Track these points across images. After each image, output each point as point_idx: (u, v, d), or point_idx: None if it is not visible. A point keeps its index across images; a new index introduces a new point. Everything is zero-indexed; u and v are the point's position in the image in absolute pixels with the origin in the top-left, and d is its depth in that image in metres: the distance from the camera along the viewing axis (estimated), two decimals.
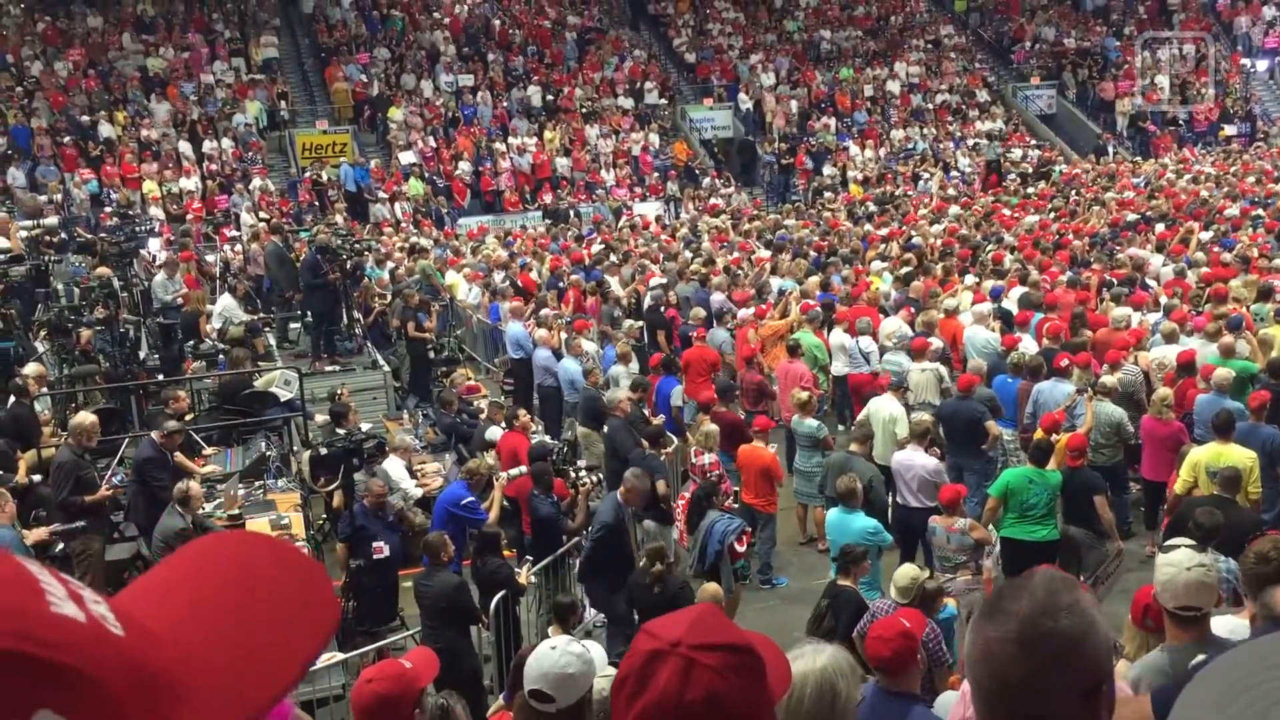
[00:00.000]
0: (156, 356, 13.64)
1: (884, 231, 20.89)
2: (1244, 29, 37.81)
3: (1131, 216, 20.38)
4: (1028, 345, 12.08)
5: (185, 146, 27.27)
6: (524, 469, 9.91)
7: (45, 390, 11.25)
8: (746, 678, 1.57)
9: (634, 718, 1.57)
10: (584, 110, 31.22)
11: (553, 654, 3.73)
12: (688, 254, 19.07)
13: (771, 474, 10.33)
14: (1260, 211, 19.78)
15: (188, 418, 11.57)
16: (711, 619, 1.65)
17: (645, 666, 1.58)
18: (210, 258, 18.96)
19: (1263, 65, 36.79)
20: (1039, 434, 9.75)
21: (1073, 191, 24.72)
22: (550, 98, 31.55)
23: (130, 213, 20.39)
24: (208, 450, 11.39)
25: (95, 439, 9.49)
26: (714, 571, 9.07)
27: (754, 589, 10.00)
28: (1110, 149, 32.52)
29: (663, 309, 15.52)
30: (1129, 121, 34.33)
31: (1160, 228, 19.13)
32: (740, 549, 9.13)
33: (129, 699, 0.81)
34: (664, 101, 32.53)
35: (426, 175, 28.02)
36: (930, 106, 33.96)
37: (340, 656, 8.26)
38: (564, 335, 13.83)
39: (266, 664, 0.92)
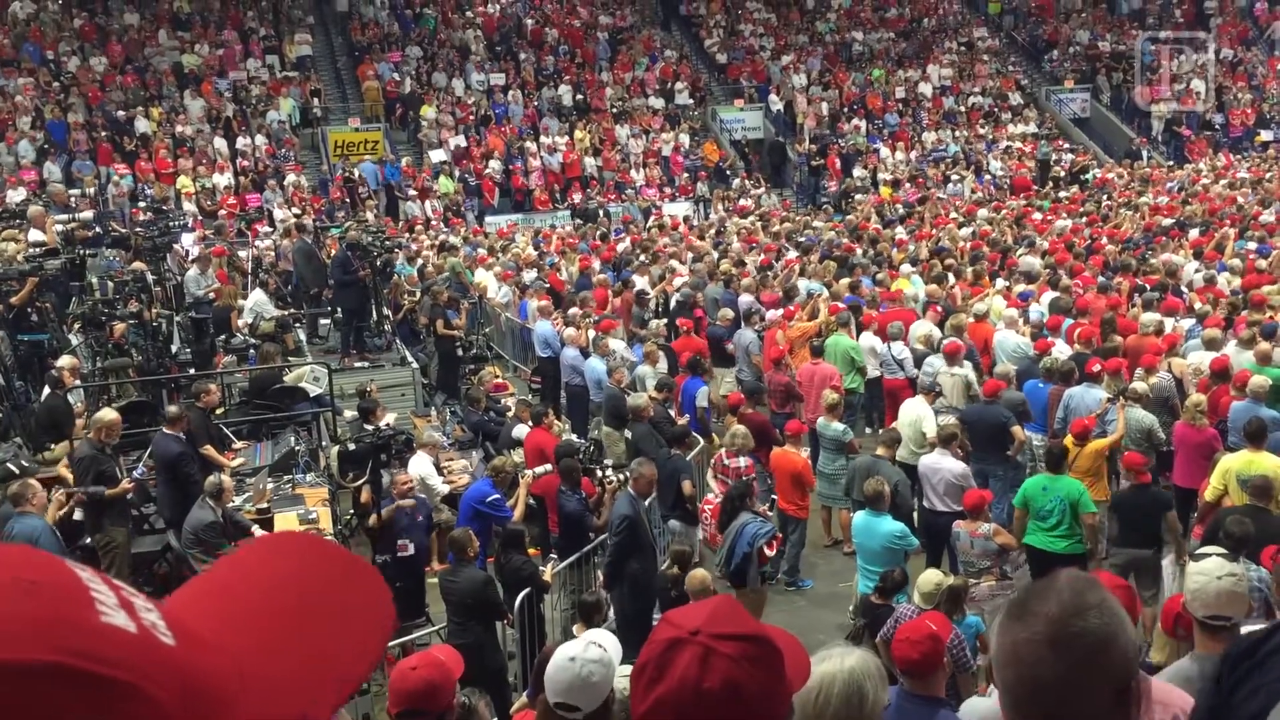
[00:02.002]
0: (188, 350, 13.76)
1: (912, 234, 20.80)
2: None
3: (1165, 222, 20.20)
4: (1060, 350, 11.99)
5: (219, 143, 27.50)
6: (549, 467, 9.94)
7: (79, 383, 11.37)
8: (764, 668, 1.59)
9: (652, 704, 1.58)
10: (615, 110, 31.25)
11: (573, 666, 3.73)
12: (715, 254, 19.07)
13: (803, 480, 10.31)
14: None
15: (218, 411, 11.67)
16: (731, 610, 1.67)
17: (664, 654, 1.59)
18: (242, 253, 19.10)
19: None
20: (1068, 439, 9.70)
21: (1105, 196, 24.53)
22: (581, 97, 31.60)
23: (164, 208, 20.58)
24: (237, 444, 11.49)
25: (117, 436, 9.56)
26: (740, 573, 9.06)
27: (780, 590, 9.99)
28: (1144, 153, 32.26)
29: (690, 308, 15.53)
30: (1164, 126, 34.03)
31: (1194, 233, 18.96)
32: (769, 553, 9.12)
33: (179, 711, 0.80)
34: (693, 102, 32.51)
35: (457, 174, 28.14)
36: (962, 109, 33.79)
37: None
38: (592, 334, 13.84)
39: (323, 670, 0.90)
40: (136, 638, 0.80)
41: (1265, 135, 33.45)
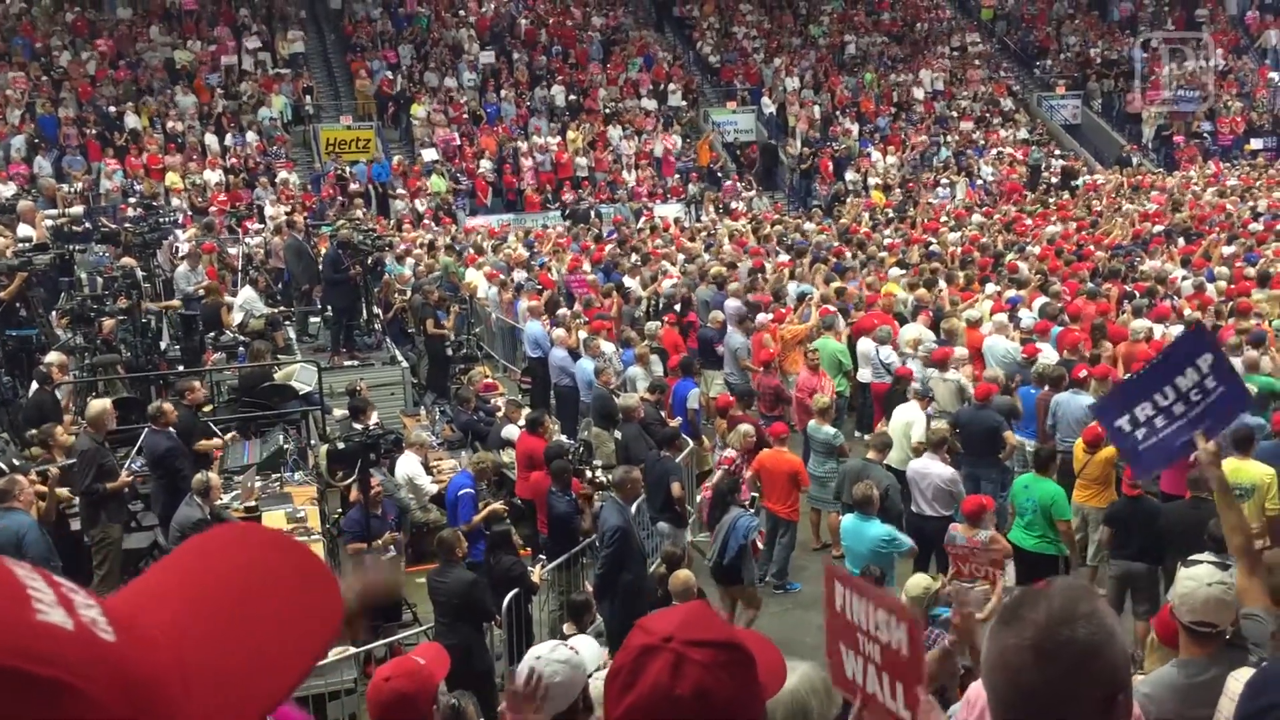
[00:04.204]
0: (177, 347, 13.72)
1: (904, 238, 20.85)
2: (1273, 43, 37.57)
3: (1155, 229, 20.29)
4: (1046, 355, 12.04)
5: (210, 139, 27.43)
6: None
7: (67, 378, 11.34)
8: (736, 674, 1.60)
9: (625, 711, 1.60)
10: (607, 111, 31.26)
11: (536, 665, 3.73)
12: (706, 256, 19.10)
13: (799, 480, 10.30)
14: None
15: (206, 409, 11.64)
16: (704, 616, 1.68)
17: (637, 660, 1.61)
18: (233, 250, 19.06)
19: None
20: (1078, 446, 9.73)
21: (1094, 202, 24.62)
22: (574, 97, 31.60)
23: (154, 204, 20.52)
24: (225, 438, 11.46)
25: (112, 423, 9.58)
26: (734, 568, 9.07)
27: (768, 593, 10.00)
28: (1135, 160, 32.39)
29: (677, 307, 15.57)
30: (1154, 133, 34.15)
31: (1183, 241, 19.05)
32: (761, 546, 9.16)
33: (119, 707, 0.79)
34: (685, 104, 32.53)
35: (449, 172, 28.12)
36: (954, 114, 33.87)
37: (352, 650, 8.30)
38: (582, 335, 13.85)
39: (268, 664, 0.90)
40: (73, 635, 0.80)
41: (1255, 144, 33.60)
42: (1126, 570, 8.72)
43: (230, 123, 28.01)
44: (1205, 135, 34.01)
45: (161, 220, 16.60)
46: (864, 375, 13.37)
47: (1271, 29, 37.75)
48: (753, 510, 9.95)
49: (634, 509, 9.23)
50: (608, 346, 13.59)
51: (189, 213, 23.84)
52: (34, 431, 9.80)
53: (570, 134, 30.09)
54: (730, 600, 9.34)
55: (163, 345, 13.76)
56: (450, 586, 7.90)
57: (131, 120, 27.33)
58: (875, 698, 2.82)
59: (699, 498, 11.20)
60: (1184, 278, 15.71)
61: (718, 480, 10.00)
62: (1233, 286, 14.64)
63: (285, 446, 11.28)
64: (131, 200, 22.99)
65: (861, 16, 37.58)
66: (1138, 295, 14.48)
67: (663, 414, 11.82)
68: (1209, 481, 4.52)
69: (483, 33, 33.20)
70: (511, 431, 11.80)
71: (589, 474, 10.58)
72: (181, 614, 0.90)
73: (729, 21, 36.38)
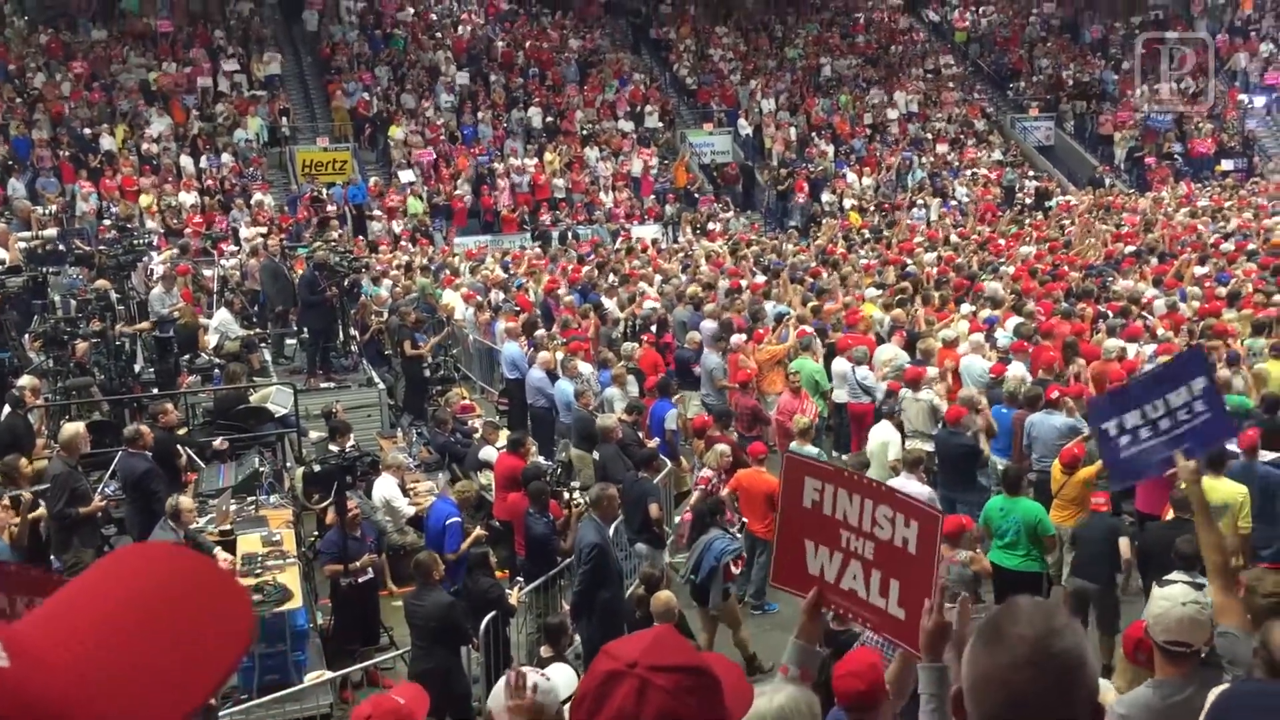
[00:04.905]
0: (152, 370, 13.63)
1: (878, 259, 20.94)
2: (1242, 65, 38.09)
3: (1127, 249, 20.47)
4: (1015, 372, 12.09)
5: (185, 161, 27.33)
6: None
7: (40, 402, 11.24)
8: (701, 699, 1.60)
9: None
10: (584, 132, 31.34)
11: (508, 690, 3.73)
12: (683, 277, 19.14)
13: (776, 499, 10.25)
14: (1255, 246, 19.88)
15: (181, 432, 11.57)
16: (670, 641, 1.68)
17: (602, 686, 1.61)
18: (208, 272, 18.97)
19: (1260, 101, 37.03)
20: (1055, 467, 9.78)
21: (1066, 222, 24.83)
22: (551, 119, 31.67)
23: (129, 226, 20.41)
24: (201, 465, 11.38)
25: (85, 447, 9.50)
26: (704, 588, 9.06)
27: (745, 614, 9.97)
28: (1107, 181, 32.71)
29: (654, 329, 15.59)
30: (1126, 154, 34.52)
31: (1156, 261, 19.22)
32: (735, 571, 9.14)
33: None
34: (662, 125, 32.65)
35: (425, 194, 28.11)
36: (929, 135, 34.12)
37: (328, 675, 8.24)
38: (560, 356, 13.84)
39: (174, 681, 0.90)
40: None
41: (1226, 164, 34.00)
42: (1080, 588, 8.79)
43: (206, 145, 27.92)
44: (1177, 156, 34.38)
45: (136, 242, 16.49)
46: (840, 395, 13.39)
47: (1240, 52, 38.27)
48: (736, 533, 9.92)
49: (611, 530, 9.22)
50: (585, 368, 13.59)
51: (164, 235, 23.72)
52: None
53: (548, 155, 30.14)
54: (709, 621, 9.32)
55: (137, 368, 13.66)
56: (427, 610, 7.86)
57: (106, 142, 27.21)
58: (854, 594, 2.81)
59: (677, 519, 11.19)
60: (1157, 297, 15.84)
61: (698, 501, 9.98)
62: (1205, 306, 14.78)
63: (261, 469, 11.22)
64: (106, 222, 22.88)
65: (837, 39, 37.86)
66: (1111, 315, 14.60)
67: (640, 435, 11.81)
68: (1189, 500, 4.57)
69: (460, 55, 33.27)
70: (489, 453, 11.77)
71: (566, 495, 10.55)
72: (84, 636, 0.90)
73: (705, 44, 36.59)
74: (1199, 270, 17.78)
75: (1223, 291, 15.72)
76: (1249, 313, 14.17)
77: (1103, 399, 5.95)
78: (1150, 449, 4.60)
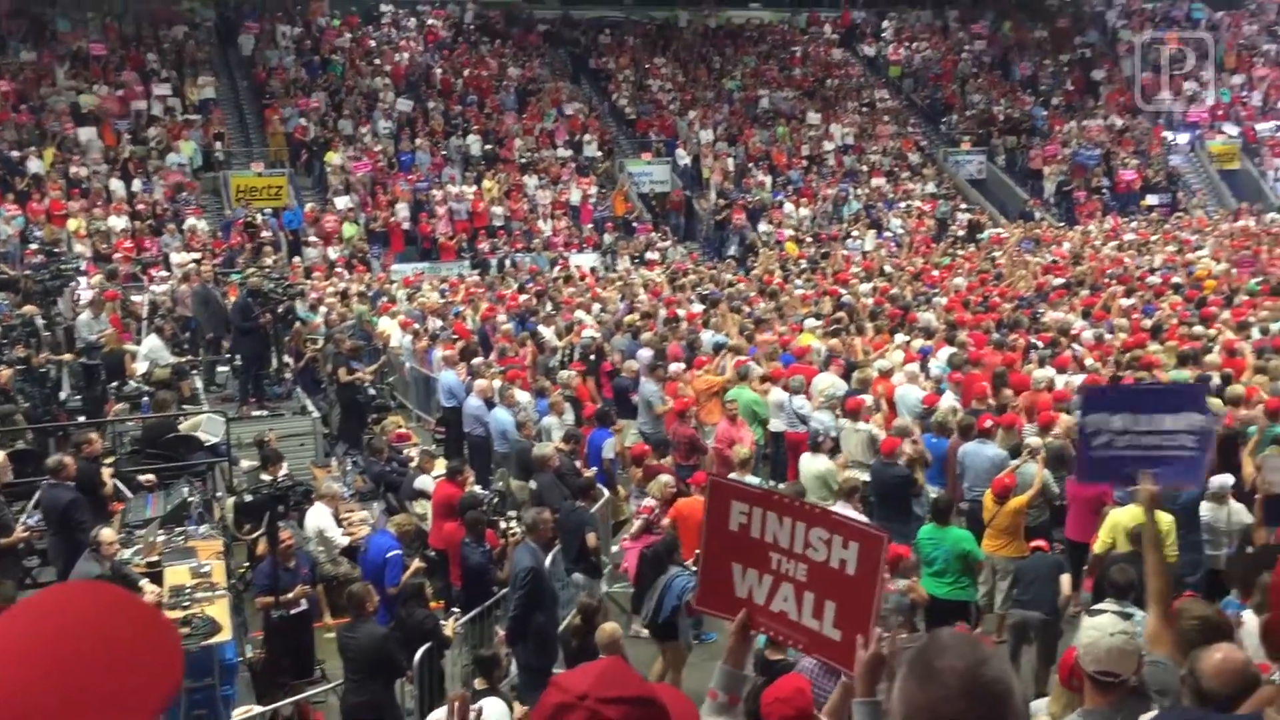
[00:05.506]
0: (78, 397, 13.34)
1: (814, 289, 21.15)
2: (1166, 103, 39.19)
3: (1056, 281, 20.88)
4: (946, 402, 12.26)
5: (116, 185, 26.87)
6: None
7: None
8: None
9: None
10: (523, 161, 31.35)
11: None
12: (621, 306, 19.18)
13: None
14: (1179, 279, 20.38)
15: (108, 460, 11.32)
16: (618, 672, 1.68)
17: (552, 718, 1.59)
18: (137, 298, 18.65)
19: (1184, 138, 38.07)
20: (987, 497, 9.90)
21: (997, 255, 25.29)
22: (490, 147, 31.64)
23: (56, 250, 20.02)
24: (128, 495, 11.13)
25: (7, 476, 9.26)
26: (669, 627, 9.02)
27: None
28: (1037, 214, 33.38)
29: (593, 357, 15.58)
30: (1056, 188, 35.27)
31: (1086, 292, 19.62)
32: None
33: None
34: (601, 154, 32.76)
35: (363, 219, 27.90)
36: (864, 167, 34.60)
37: (257, 710, 8.08)
38: (497, 384, 13.77)
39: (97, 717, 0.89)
40: None
41: (1151, 199, 34.87)
42: (1024, 619, 8.91)
43: (137, 169, 27.48)
44: (1105, 190, 35.20)
45: (63, 267, 16.16)
46: (777, 425, 13.46)
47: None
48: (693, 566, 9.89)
49: (549, 560, 9.16)
50: (523, 396, 13.54)
51: (92, 260, 23.28)
52: None
53: (486, 183, 30.09)
54: (671, 656, 9.27)
55: (62, 395, 13.37)
56: (360, 642, 7.75)
57: (34, 165, 26.68)
58: (784, 616, 2.80)
59: (614, 548, 11.15)
60: (1086, 329, 16.16)
61: (656, 542, 9.88)
62: (1130, 338, 15.11)
63: (190, 499, 11.00)
64: (33, 246, 22.41)
65: (774, 72, 38.32)
66: (1041, 346, 14.86)
67: (578, 464, 11.77)
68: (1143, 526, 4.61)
69: (398, 82, 33.15)
70: (425, 482, 11.66)
71: (503, 524, 10.47)
72: (5, 676, 0.89)
73: (644, 74, 36.84)
74: (1125, 302, 18.18)
75: (1148, 324, 16.08)
76: (1173, 344, 14.50)
77: (1101, 390, 5.98)
78: (1123, 459, 4.62)
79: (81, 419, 12.61)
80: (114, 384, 13.51)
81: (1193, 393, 5.08)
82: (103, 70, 30.45)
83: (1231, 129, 37.95)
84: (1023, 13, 43.74)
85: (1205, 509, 9.44)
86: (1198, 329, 15.29)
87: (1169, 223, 31.29)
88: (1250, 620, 6.67)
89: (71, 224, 25.16)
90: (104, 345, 14.29)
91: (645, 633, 9.56)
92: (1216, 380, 12.30)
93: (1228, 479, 9.50)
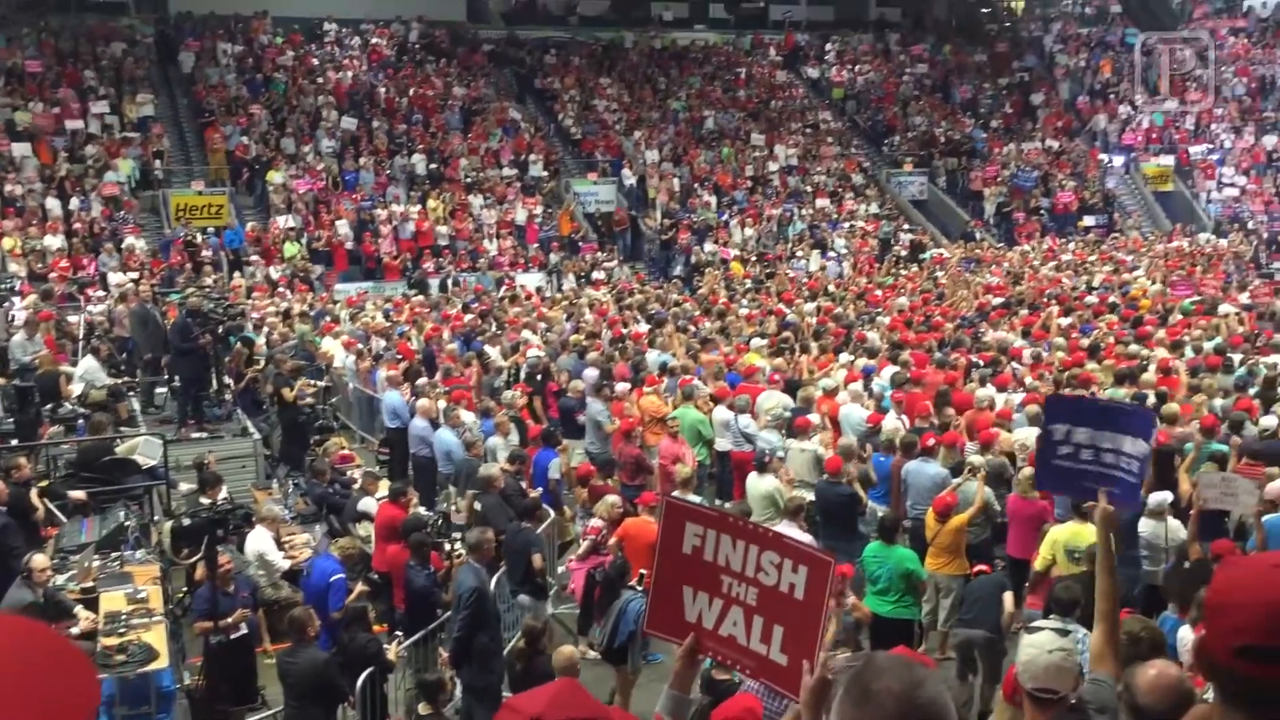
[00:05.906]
0: (11, 420, 13.05)
1: (759, 308, 21.27)
2: (1102, 126, 40.00)
3: (996, 301, 21.18)
4: (890, 423, 12.37)
5: (52, 203, 26.39)
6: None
7: None
8: None
9: None
10: (468, 180, 31.25)
11: None
12: (568, 325, 19.15)
13: None
14: (1116, 299, 20.77)
15: (42, 484, 11.08)
16: (572, 694, 1.67)
17: None
18: (73, 318, 18.31)
19: (1119, 161, 38.85)
20: (929, 516, 9.98)
21: (939, 275, 25.61)
22: (434, 166, 31.51)
23: None
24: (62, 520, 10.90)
25: None
26: (621, 651, 8.97)
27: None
28: (978, 235, 33.86)
29: (539, 377, 15.53)
30: (995, 209, 35.81)
31: (1026, 312, 19.92)
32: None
33: None
34: (547, 174, 32.76)
35: (305, 240, 27.63)
36: (808, 188, 34.91)
37: None
38: (442, 405, 13.67)
39: None
40: None
41: (1088, 220, 35.53)
42: (968, 638, 8.98)
43: (74, 187, 27.02)
44: (1043, 211, 35.80)
45: None
46: (722, 444, 13.48)
47: (1101, 114, 40.20)
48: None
49: (494, 583, 9.09)
50: (468, 416, 13.45)
51: (27, 279, 22.83)
52: None
53: (431, 203, 29.95)
54: (624, 680, 9.22)
55: None
56: (301, 667, 7.63)
57: None
58: (733, 640, 2.79)
59: (560, 569, 11.09)
60: (1025, 348, 16.39)
61: (608, 567, 9.83)
62: (1069, 358, 15.34)
63: (126, 524, 10.79)
64: None
65: (719, 93, 38.59)
66: (982, 364, 15.05)
67: (523, 484, 11.71)
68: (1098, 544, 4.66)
69: (341, 100, 32.94)
70: (368, 504, 11.54)
71: (448, 547, 10.38)
72: None
73: (590, 94, 36.92)
74: (1064, 321, 18.48)
75: (1086, 343, 16.35)
76: (1110, 363, 14.77)
77: (1066, 401, 6.04)
78: (1082, 472, 4.68)
79: (14, 442, 12.33)
80: (49, 406, 13.24)
81: (1145, 420, 5.18)
82: (39, 87, 29.94)
83: (1167, 158, 38.69)
84: (962, 37, 44.52)
85: (1144, 525, 9.59)
86: (1134, 348, 15.58)
87: (1106, 243, 31.91)
88: (1186, 635, 6.79)
89: (6, 243, 24.66)
90: (38, 367, 14.01)
91: (593, 654, 9.51)
92: (1152, 399, 12.53)
93: (1166, 495, 9.65)
